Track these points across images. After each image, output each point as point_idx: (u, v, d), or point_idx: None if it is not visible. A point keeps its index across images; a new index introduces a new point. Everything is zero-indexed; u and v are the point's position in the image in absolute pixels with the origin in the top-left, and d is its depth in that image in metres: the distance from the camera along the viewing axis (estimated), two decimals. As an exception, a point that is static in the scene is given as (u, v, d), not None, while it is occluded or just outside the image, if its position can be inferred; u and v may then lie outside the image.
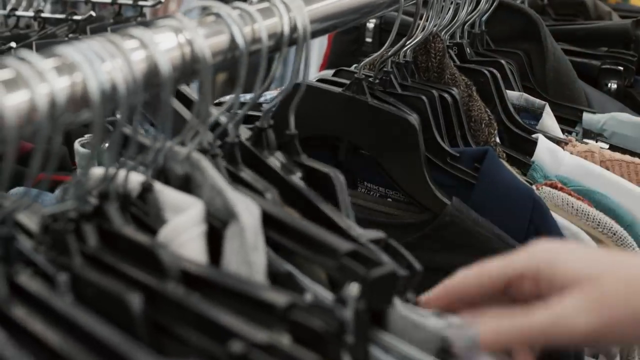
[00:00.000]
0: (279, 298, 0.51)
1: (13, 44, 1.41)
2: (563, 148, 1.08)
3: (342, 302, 0.53)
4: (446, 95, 1.02)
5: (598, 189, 1.01)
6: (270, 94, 1.08)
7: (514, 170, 1.01)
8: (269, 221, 0.59)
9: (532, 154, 1.06)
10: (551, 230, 0.93)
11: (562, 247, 0.63)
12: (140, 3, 1.71)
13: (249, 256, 0.56)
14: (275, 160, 0.68)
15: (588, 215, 0.98)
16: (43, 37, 1.55)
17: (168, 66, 0.56)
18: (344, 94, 0.98)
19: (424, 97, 0.99)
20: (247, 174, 0.65)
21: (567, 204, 0.99)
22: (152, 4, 1.68)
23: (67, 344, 0.48)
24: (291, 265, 0.60)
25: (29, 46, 1.43)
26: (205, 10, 0.64)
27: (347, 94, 0.97)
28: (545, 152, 1.05)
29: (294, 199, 0.64)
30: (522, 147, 1.08)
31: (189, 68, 0.59)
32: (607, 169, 1.05)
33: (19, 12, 1.62)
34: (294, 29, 0.67)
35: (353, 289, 0.54)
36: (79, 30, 1.54)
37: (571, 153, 1.07)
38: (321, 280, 0.60)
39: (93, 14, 1.56)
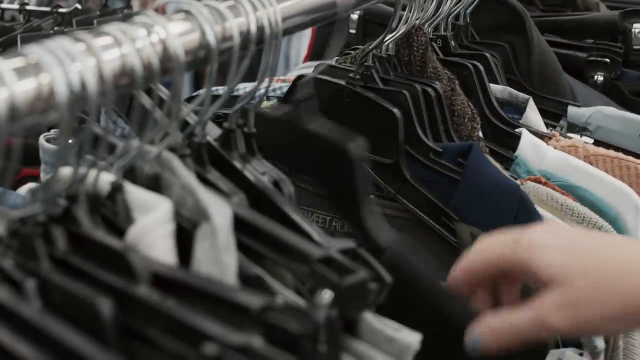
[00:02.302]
0: (253, 300, 0.50)
1: (-2, 37, 1.40)
2: (547, 142, 1.08)
3: (315, 308, 0.52)
4: (429, 89, 1.01)
5: (581, 184, 1.01)
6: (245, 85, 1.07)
7: (498, 166, 1.01)
8: (238, 223, 0.58)
9: (516, 149, 1.05)
10: None
11: (544, 238, 0.68)
12: (126, -6, 1.70)
13: (220, 257, 0.55)
14: (243, 163, 0.67)
15: (573, 210, 0.98)
16: (28, 30, 1.54)
17: (139, 65, 0.56)
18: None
19: (405, 92, 0.99)
20: (213, 175, 0.64)
21: (552, 199, 0.98)
22: (138, -5, 1.67)
23: (35, 354, 0.48)
24: (261, 270, 0.59)
25: (13, 39, 1.42)
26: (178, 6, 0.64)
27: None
28: (529, 147, 1.05)
29: (261, 203, 0.63)
30: (505, 141, 1.08)
31: (161, 66, 0.58)
32: (591, 164, 1.05)
33: (4, 5, 1.61)
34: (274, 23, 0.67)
35: (325, 295, 0.53)
36: (65, 22, 1.53)
37: (555, 148, 1.06)
38: (289, 286, 0.60)
39: (78, 6, 1.55)
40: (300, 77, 1.03)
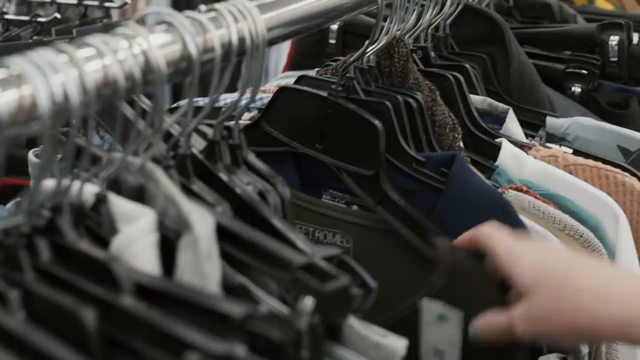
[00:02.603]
0: (236, 308, 0.51)
1: (-23, 46, 1.39)
2: (527, 152, 1.08)
3: (297, 315, 0.53)
4: (411, 100, 1.01)
5: (561, 193, 1.01)
6: (226, 97, 1.07)
7: (480, 175, 1.02)
8: (223, 233, 0.59)
9: (496, 158, 1.06)
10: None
11: (518, 246, 0.80)
12: (107, 4, 1.70)
13: (202, 266, 0.55)
14: (229, 174, 0.67)
15: (555, 217, 0.99)
16: (7, 39, 1.54)
17: (122, 77, 0.56)
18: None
19: (388, 103, 0.99)
20: (198, 186, 0.64)
21: (534, 207, 0.99)
22: (118, 5, 1.67)
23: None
24: (245, 278, 0.60)
25: (-7, 48, 1.41)
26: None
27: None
28: (509, 157, 1.05)
29: (247, 213, 0.64)
30: (485, 151, 1.08)
31: (143, 77, 0.59)
32: (571, 173, 1.06)
33: (-17, 15, 1.60)
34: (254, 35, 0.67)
35: (307, 302, 0.54)
36: (44, 32, 1.53)
37: (535, 157, 1.07)
38: (274, 295, 0.60)
39: (58, 15, 1.54)
40: (282, 88, 1.04)
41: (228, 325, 0.50)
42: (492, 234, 0.83)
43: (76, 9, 1.67)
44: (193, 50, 0.62)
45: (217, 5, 0.68)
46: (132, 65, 0.57)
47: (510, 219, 0.93)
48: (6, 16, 1.57)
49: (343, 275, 0.56)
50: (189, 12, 0.66)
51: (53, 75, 0.52)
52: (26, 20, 1.55)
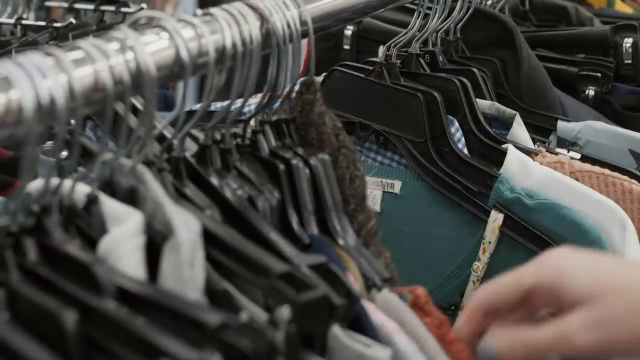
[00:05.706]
0: (211, 317, 0.51)
1: (-5, 51, 1.41)
2: (533, 158, 1.07)
3: (274, 324, 0.52)
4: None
5: (567, 202, 1.00)
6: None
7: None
8: (209, 238, 0.59)
9: (502, 164, 1.05)
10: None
11: (570, 260, 0.67)
12: (124, 10, 1.72)
13: (183, 272, 0.55)
14: (219, 179, 0.67)
15: None
16: (24, 44, 1.55)
17: (111, 81, 0.57)
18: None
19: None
20: (190, 189, 0.65)
21: None
22: (134, 10, 1.68)
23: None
24: (230, 284, 0.59)
25: (8, 53, 1.43)
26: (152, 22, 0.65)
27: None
28: (515, 163, 1.04)
29: (235, 218, 0.63)
30: (491, 157, 1.07)
31: (133, 82, 0.59)
32: (577, 180, 1.04)
33: (1, 19, 1.63)
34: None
35: (284, 311, 0.53)
36: (60, 37, 1.54)
37: (541, 164, 1.06)
38: (258, 301, 0.60)
39: (73, 21, 1.56)
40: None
41: (203, 334, 0.50)
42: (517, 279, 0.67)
43: (94, 15, 1.70)
44: (185, 54, 0.63)
45: (212, 10, 0.68)
46: (122, 70, 0.58)
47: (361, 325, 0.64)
48: (23, 21, 1.59)
49: (322, 285, 0.55)
50: (184, 16, 0.67)
51: (40, 80, 0.52)
52: (43, 26, 1.57)
